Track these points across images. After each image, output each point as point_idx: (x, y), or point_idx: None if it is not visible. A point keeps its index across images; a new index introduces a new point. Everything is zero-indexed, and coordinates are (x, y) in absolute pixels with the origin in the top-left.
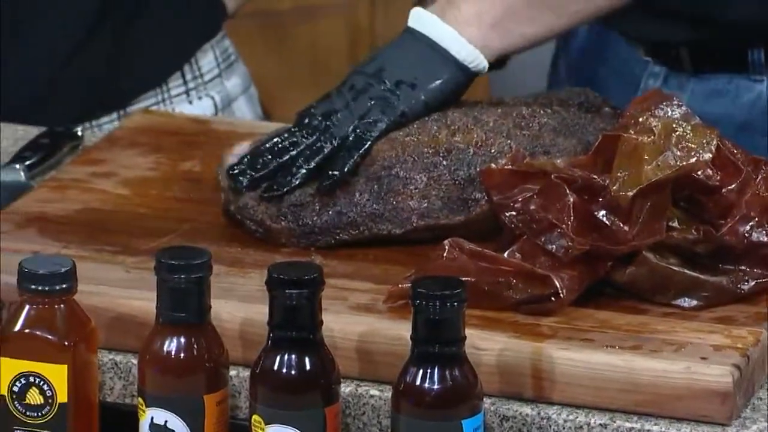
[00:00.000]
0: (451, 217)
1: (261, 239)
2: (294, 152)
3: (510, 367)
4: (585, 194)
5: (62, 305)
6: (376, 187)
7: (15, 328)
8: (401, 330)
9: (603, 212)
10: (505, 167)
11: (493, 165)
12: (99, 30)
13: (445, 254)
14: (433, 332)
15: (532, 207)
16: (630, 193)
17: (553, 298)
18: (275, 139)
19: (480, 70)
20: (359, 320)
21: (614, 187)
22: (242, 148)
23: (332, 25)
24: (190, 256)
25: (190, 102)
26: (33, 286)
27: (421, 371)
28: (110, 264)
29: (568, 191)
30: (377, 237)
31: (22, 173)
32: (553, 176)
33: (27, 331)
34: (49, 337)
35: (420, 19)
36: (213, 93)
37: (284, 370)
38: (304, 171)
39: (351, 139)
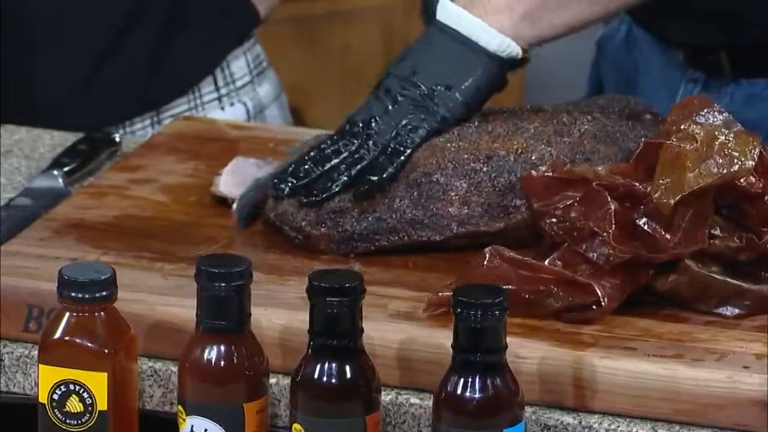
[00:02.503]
0: (490, 224)
1: (300, 246)
2: (336, 160)
3: (551, 375)
4: (626, 202)
5: (102, 313)
6: (415, 193)
7: (55, 335)
8: (441, 338)
9: (644, 220)
10: (546, 174)
11: (533, 172)
12: (132, 32)
13: (485, 262)
14: (474, 341)
15: (573, 214)
16: (672, 201)
17: (594, 307)
18: (318, 148)
19: (513, 57)
20: (399, 328)
21: (656, 195)
22: (228, 169)
23: (366, 29)
24: (230, 263)
25: (222, 108)
26: (73, 294)
27: (462, 380)
28: (149, 271)
29: (609, 199)
30: (416, 244)
31: (61, 180)
32: (594, 183)
33: (67, 338)
34: (89, 344)
35: (447, 12)
36: (245, 99)
37: (325, 379)
38: (344, 178)
39: (392, 146)
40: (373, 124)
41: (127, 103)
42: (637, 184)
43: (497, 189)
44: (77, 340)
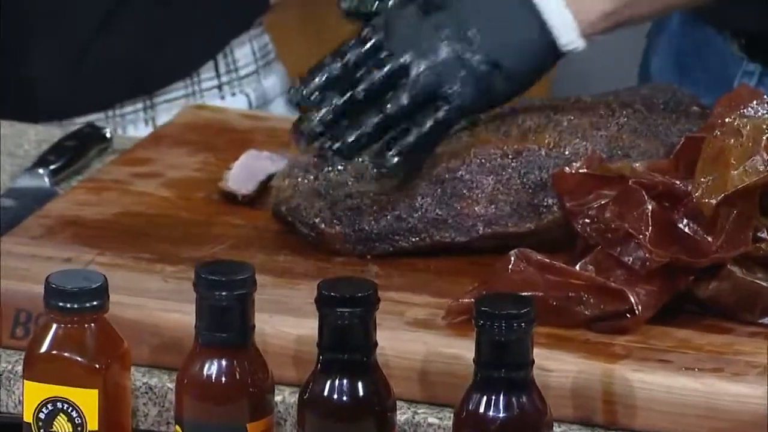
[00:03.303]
0: (520, 224)
1: (313, 245)
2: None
3: (580, 390)
4: (665, 201)
5: (93, 324)
6: (439, 190)
7: (41, 349)
8: (462, 349)
9: (684, 221)
10: (580, 171)
11: (566, 168)
12: (127, 7)
13: (510, 266)
14: (498, 356)
15: (608, 215)
16: (714, 201)
17: (628, 315)
18: (340, 66)
19: (570, 50)
20: (416, 337)
21: (697, 194)
22: (239, 163)
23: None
24: (232, 270)
25: (222, 98)
26: (61, 304)
27: (485, 398)
28: (148, 273)
29: (646, 198)
30: (439, 245)
31: (46, 178)
32: (631, 181)
33: (54, 352)
34: (79, 359)
35: None
36: (248, 90)
37: (335, 396)
38: (369, 130)
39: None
40: (409, 61)
41: (119, 85)
42: (677, 182)
43: (527, 186)
44: (65, 354)
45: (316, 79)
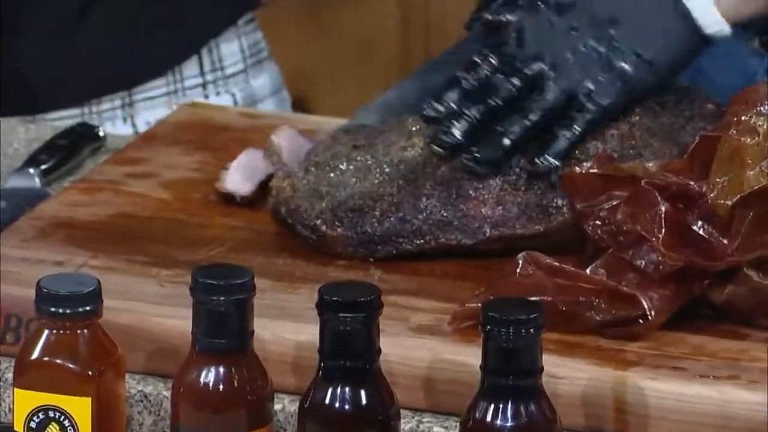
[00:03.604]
0: (528, 226)
1: (314, 248)
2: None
3: (591, 398)
4: (679, 203)
5: (85, 330)
6: (444, 191)
7: (32, 355)
8: (468, 356)
9: (699, 223)
10: (590, 171)
11: (576, 168)
12: (100, 1)
13: (518, 269)
14: (506, 363)
15: (619, 216)
16: (730, 202)
17: (640, 321)
18: (473, 76)
19: (713, 36)
20: (421, 344)
21: (712, 195)
22: (237, 162)
23: (381, 9)
24: (230, 274)
25: (206, 96)
26: (53, 309)
27: (492, 406)
28: (143, 277)
29: (659, 199)
30: (444, 248)
31: (37, 179)
32: (643, 182)
33: (46, 359)
34: (71, 366)
35: None
36: (234, 90)
37: (337, 405)
38: (512, 137)
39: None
40: (553, 66)
41: (96, 80)
42: (691, 182)
43: (536, 187)
44: (57, 361)
45: (451, 93)
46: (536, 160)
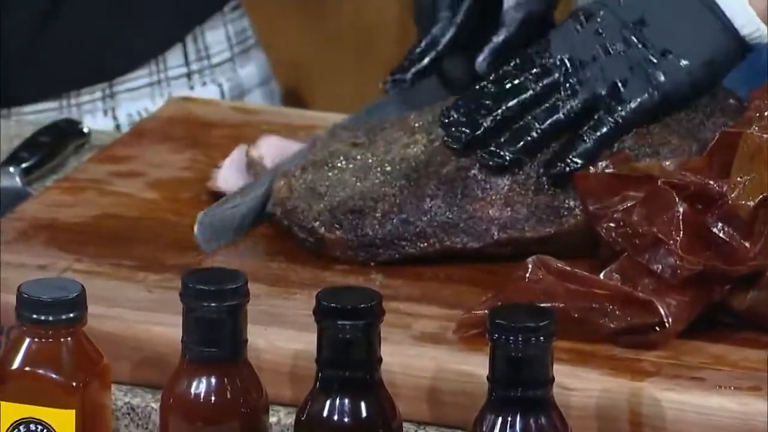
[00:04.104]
0: (538, 228)
1: (311, 251)
2: (524, 99)
3: (605, 410)
4: (698, 203)
5: (69, 338)
6: (449, 191)
7: (13, 365)
8: (475, 365)
9: (719, 225)
10: (605, 170)
11: (590, 168)
12: None
13: (528, 274)
14: (514, 373)
15: (635, 218)
16: (752, 203)
17: (657, 328)
18: (497, 78)
19: (755, 40)
20: (424, 353)
21: (733, 195)
22: (230, 160)
23: None
24: (223, 279)
25: (192, 87)
26: (34, 316)
27: (500, 419)
28: (130, 282)
29: (677, 200)
30: (449, 251)
31: (18, 178)
32: (660, 181)
33: (27, 369)
34: (54, 376)
35: None
36: (222, 80)
37: (335, 417)
38: (535, 134)
39: (601, 112)
40: (578, 65)
41: (74, 70)
42: (711, 182)
43: (546, 187)
44: (39, 371)
45: (471, 102)
46: (559, 162)
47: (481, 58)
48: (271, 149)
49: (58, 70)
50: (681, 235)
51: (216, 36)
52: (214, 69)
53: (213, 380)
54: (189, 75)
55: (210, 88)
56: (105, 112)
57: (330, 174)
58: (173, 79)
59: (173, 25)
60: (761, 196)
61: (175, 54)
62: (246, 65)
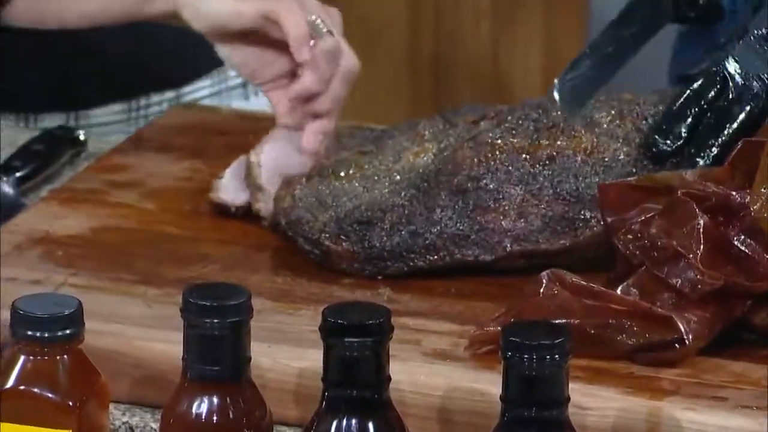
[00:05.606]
0: (552, 241)
1: (317, 264)
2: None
3: (622, 430)
4: (719, 215)
5: (66, 356)
6: (460, 202)
7: (7, 384)
8: (487, 384)
9: (741, 238)
10: (622, 181)
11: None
12: None
13: (542, 289)
14: (528, 392)
15: (653, 230)
16: None
17: (676, 345)
18: (695, 96)
19: None
20: (435, 371)
21: (755, 207)
22: (232, 170)
23: None
24: (225, 294)
25: (246, 98)
26: (29, 333)
27: None
28: (128, 297)
29: (698, 211)
30: (461, 265)
31: (11, 188)
32: (680, 192)
33: (22, 388)
34: (50, 395)
35: None
36: None
37: None
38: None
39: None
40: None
41: (143, 77)
42: (732, 192)
43: (561, 197)
44: (35, 390)
45: (680, 126)
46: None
47: None
48: (273, 160)
49: (127, 76)
50: (701, 249)
51: None
52: None
53: (215, 399)
54: (244, 85)
55: (264, 99)
56: None
57: (337, 183)
58: (232, 89)
59: None
60: None
61: None
62: None
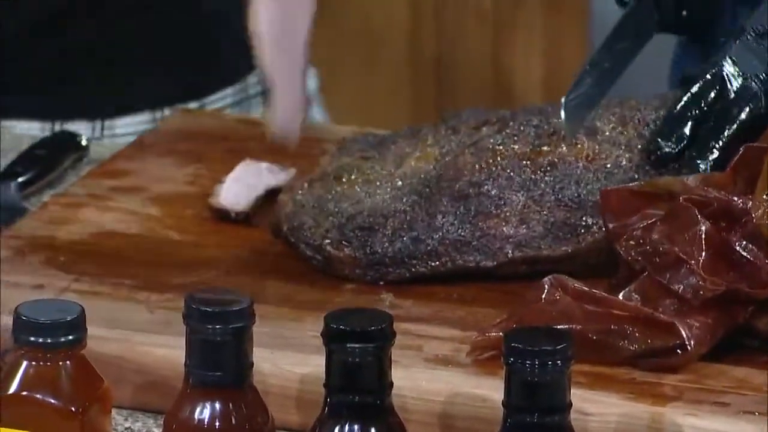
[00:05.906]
0: (554, 247)
1: (318, 270)
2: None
3: None
4: (721, 221)
5: (68, 361)
6: (462, 208)
7: (9, 390)
8: (489, 390)
9: (743, 244)
10: (624, 187)
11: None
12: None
13: (544, 295)
14: (530, 398)
15: (655, 236)
16: None
17: (678, 351)
18: (697, 99)
19: None
20: (437, 376)
21: (758, 213)
22: (233, 176)
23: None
24: (227, 300)
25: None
26: (32, 338)
27: None
28: (131, 302)
29: (699, 217)
30: (462, 271)
31: (13, 192)
32: (681, 198)
33: (25, 393)
34: (52, 401)
35: None
36: None
37: None
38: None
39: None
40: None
41: (171, 90)
42: (735, 198)
43: (563, 204)
44: (37, 396)
45: (684, 129)
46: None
47: None
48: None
49: (151, 86)
50: (703, 254)
51: None
52: None
53: (217, 405)
54: (264, 92)
55: None
56: None
57: (338, 189)
58: (252, 98)
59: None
60: None
61: (253, 73)
62: (309, 75)
